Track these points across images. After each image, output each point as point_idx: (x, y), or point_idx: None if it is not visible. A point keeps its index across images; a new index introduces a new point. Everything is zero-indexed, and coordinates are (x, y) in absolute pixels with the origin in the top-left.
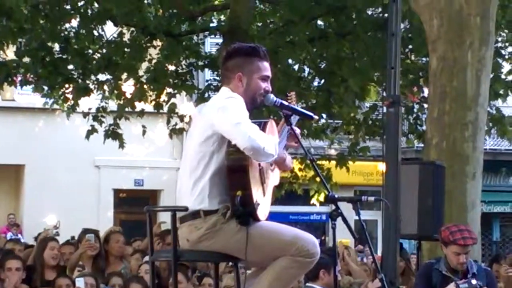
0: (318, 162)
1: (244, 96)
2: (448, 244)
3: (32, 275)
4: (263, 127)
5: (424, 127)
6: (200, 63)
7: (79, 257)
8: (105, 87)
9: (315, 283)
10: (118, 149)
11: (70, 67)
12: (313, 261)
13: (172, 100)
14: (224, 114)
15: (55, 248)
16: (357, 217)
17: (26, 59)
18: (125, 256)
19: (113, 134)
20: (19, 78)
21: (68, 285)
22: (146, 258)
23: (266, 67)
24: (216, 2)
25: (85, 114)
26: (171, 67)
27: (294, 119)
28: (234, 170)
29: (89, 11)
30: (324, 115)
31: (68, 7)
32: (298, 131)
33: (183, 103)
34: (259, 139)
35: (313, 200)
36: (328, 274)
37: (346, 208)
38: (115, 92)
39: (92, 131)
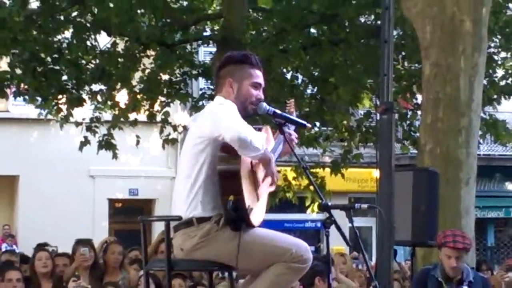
0: (312, 170)
1: (235, 103)
2: (440, 246)
3: (29, 287)
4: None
5: (417, 134)
6: (194, 72)
7: (75, 270)
8: (99, 97)
9: None
10: (113, 159)
11: (64, 77)
12: (306, 267)
13: (166, 109)
14: (215, 117)
15: (43, 258)
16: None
17: (19, 70)
18: (123, 265)
19: (107, 144)
20: (13, 89)
21: None
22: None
23: (257, 75)
24: (209, 11)
25: (77, 124)
26: (165, 77)
27: (290, 126)
28: (226, 175)
29: (83, 21)
30: (317, 123)
31: (62, 18)
32: (295, 137)
33: (177, 113)
34: (247, 132)
35: (309, 210)
36: (323, 282)
37: (341, 216)
38: (109, 102)
39: (85, 142)
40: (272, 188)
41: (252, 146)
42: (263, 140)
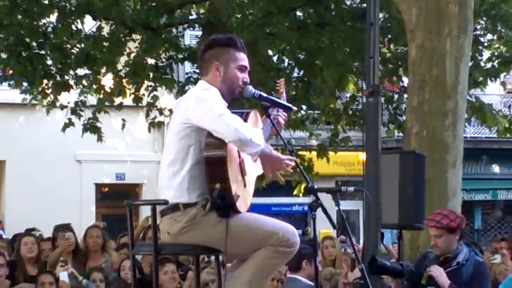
0: (299, 152)
1: (222, 86)
2: None
3: (14, 271)
4: (245, 117)
5: (404, 117)
6: (180, 56)
7: (59, 255)
8: (84, 81)
9: (298, 273)
10: (99, 143)
11: (49, 62)
12: (294, 250)
13: (153, 93)
14: (203, 106)
15: (29, 242)
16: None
17: (4, 55)
18: (106, 249)
19: (92, 127)
20: None
21: (51, 283)
22: None
23: (243, 58)
24: None
25: (62, 107)
26: (151, 61)
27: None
28: (212, 162)
29: (68, 6)
30: (303, 106)
31: (46, 1)
32: (284, 118)
33: (163, 96)
34: (246, 130)
35: (295, 191)
36: (310, 265)
37: (328, 199)
38: (94, 86)
39: (69, 124)
40: (260, 172)
41: (253, 144)
42: (261, 135)
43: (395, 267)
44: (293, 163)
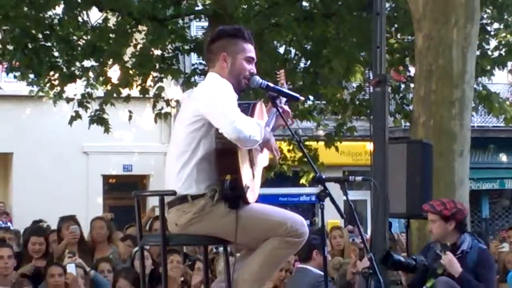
0: (306, 143)
1: (229, 78)
2: None
3: (21, 263)
4: (251, 109)
5: (411, 106)
6: (186, 47)
7: (65, 247)
8: (91, 73)
9: (308, 263)
10: (106, 135)
11: (55, 54)
12: (302, 241)
13: (160, 84)
14: (212, 101)
15: (37, 243)
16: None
17: (10, 47)
18: (112, 240)
19: (99, 119)
20: (5, 66)
21: (60, 274)
22: None
23: (250, 49)
24: None
25: (68, 100)
26: (157, 52)
27: (282, 99)
28: (224, 153)
29: None
30: (310, 97)
31: None
32: (288, 110)
33: (170, 87)
34: (245, 127)
35: (302, 181)
36: (320, 255)
37: (336, 189)
38: (101, 78)
39: (76, 117)
40: (266, 163)
41: (251, 140)
42: (261, 126)
43: (409, 263)
44: (277, 155)
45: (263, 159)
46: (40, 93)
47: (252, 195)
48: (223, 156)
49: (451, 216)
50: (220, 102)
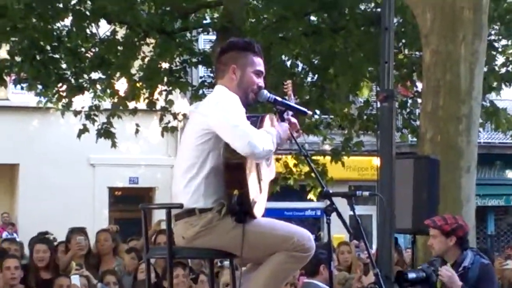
0: (313, 157)
1: (238, 90)
2: None
3: (27, 275)
4: (260, 121)
5: (418, 122)
6: (194, 60)
7: (71, 259)
8: (98, 85)
9: (315, 278)
10: (111, 148)
11: (63, 66)
12: (309, 255)
13: (169, 97)
14: (221, 114)
15: (41, 251)
16: (352, 212)
17: (19, 58)
18: (118, 253)
19: (106, 133)
20: (13, 77)
21: (68, 286)
22: None
23: (260, 63)
24: None
25: (76, 113)
26: (165, 65)
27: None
28: (232, 168)
29: (82, 9)
30: (317, 111)
31: (61, 5)
32: (295, 121)
33: (177, 100)
34: (258, 141)
35: (310, 195)
36: (328, 270)
37: (341, 203)
38: (108, 90)
39: (84, 130)
40: (273, 177)
41: (265, 153)
42: (273, 135)
43: (422, 276)
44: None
45: (270, 172)
46: (49, 104)
47: (259, 210)
48: (231, 170)
49: (452, 232)
50: (231, 117)
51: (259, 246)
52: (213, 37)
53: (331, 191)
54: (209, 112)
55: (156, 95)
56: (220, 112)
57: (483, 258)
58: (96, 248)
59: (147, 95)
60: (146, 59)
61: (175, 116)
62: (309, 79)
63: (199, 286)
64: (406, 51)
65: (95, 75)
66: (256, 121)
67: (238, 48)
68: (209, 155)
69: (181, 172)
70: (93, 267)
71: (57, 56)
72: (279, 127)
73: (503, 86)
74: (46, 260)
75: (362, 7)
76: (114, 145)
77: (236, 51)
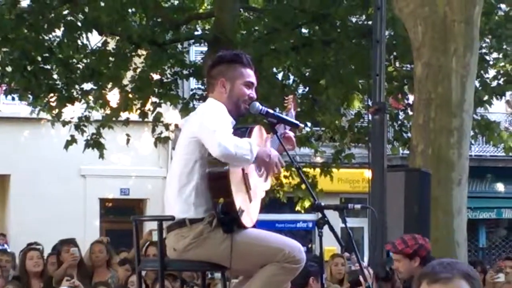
0: (304, 169)
1: (228, 103)
2: None
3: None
4: (249, 133)
5: (409, 134)
6: (185, 71)
7: (65, 270)
8: (90, 96)
9: None
10: (99, 159)
11: (54, 76)
12: (300, 267)
13: (158, 109)
14: (203, 122)
15: (34, 257)
16: (343, 225)
17: (9, 69)
18: (111, 265)
19: (95, 143)
20: (4, 88)
21: None
22: None
23: (249, 74)
24: (200, 11)
25: (64, 123)
26: (156, 76)
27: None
28: (215, 177)
29: (74, 20)
30: (308, 123)
31: (53, 16)
32: (292, 135)
33: (169, 111)
34: (231, 145)
35: (298, 207)
36: (317, 282)
37: (333, 216)
38: (100, 101)
39: (71, 141)
40: (268, 187)
41: (239, 158)
42: (252, 145)
43: None
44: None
45: (262, 182)
46: (41, 114)
47: (248, 219)
48: (215, 179)
49: (414, 253)
50: (210, 122)
51: (249, 258)
52: (205, 49)
53: (323, 204)
54: (195, 121)
55: (148, 106)
56: (202, 119)
57: None
58: (90, 260)
59: (139, 106)
60: (138, 70)
61: (167, 127)
62: (300, 91)
63: None
64: (397, 64)
65: (87, 86)
66: (245, 132)
67: (226, 61)
68: (196, 164)
69: (171, 182)
70: (85, 278)
71: (48, 67)
72: (268, 149)
73: (493, 99)
74: (40, 267)
75: (354, 19)
76: (102, 156)
77: (225, 64)
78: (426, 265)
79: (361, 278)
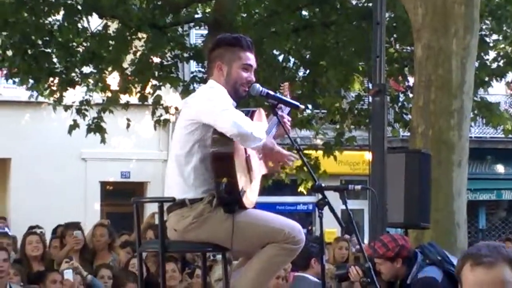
0: (305, 151)
1: (226, 86)
2: None
3: (20, 269)
4: (250, 116)
5: (409, 116)
6: (185, 54)
7: (67, 253)
8: (90, 80)
9: (306, 272)
10: (101, 143)
11: (55, 60)
12: (299, 248)
13: (158, 92)
14: (209, 103)
15: (34, 241)
16: (343, 206)
17: (10, 53)
18: (113, 248)
19: (96, 127)
20: (5, 72)
21: (60, 281)
22: None
23: (248, 57)
24: None
25: (66, 108)
26: (156, 59)
27: (285, 109)
28: (219, 157)
29: (74, 3)
30: (309, 105)
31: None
32: (288, 120)
33: (169, 94)
34: (246, 124)
35: (301, 188)
36: (319, 263)
37: (333, 198)
38: (100, 85)
39: (74, 125)
40: (265, 171)
41: (254, 138)
42: (264, 128)
43: None
44: (294, 159)
45: (261, 165)
46: (40, 98)
47: (248, 200)
48: (219, 160)
49: (396, 256)
50: (218, 102)
51: (250, 238)
52: (205, 32)
53: (323, 185)
54: (196, 103)
55: (148, 89)
56: (207, 100)
57: (427, 270)
58: (92, 243)
59: (139, 89)
60: (138, 54)
61: (167, 109)
62: (300, 73)
63: (195, 280)
64: (398, 46)
65: (86, 69)
66: (247, 115)
67: (225, 44)
68: (195, 145)
69: (171, 163)
70: (87, 261)
71: (48, 50)
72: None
73: (493, 81)
74: (40, 250)
75: (354, 1)
76: (103, 140)
77: (223, 47)
78: (408, 263)
79: (352, 271)
